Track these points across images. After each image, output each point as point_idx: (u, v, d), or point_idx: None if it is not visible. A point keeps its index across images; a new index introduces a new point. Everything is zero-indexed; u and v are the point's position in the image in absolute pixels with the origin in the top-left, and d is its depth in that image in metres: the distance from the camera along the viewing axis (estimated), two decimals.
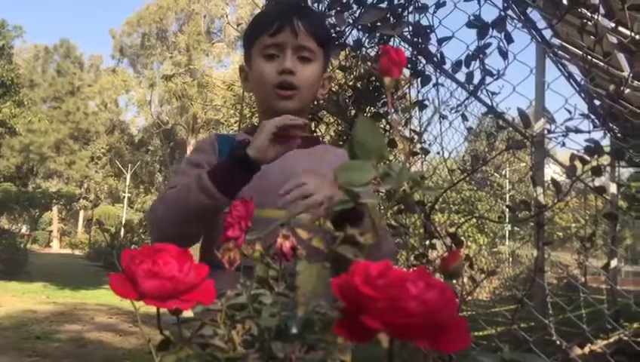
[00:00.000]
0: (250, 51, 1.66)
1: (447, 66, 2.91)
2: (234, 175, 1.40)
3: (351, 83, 3.09)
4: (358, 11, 2.80)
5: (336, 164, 0.63)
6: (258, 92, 1.67)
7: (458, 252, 0.71)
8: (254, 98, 1.75)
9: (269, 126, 1.39)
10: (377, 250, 1.29)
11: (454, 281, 0.73)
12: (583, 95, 3.43)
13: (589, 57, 2.81)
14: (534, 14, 3.20)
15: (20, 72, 31.25)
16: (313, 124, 3.12)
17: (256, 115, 1.75)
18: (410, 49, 2.88)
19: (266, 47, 1.59)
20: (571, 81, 4.65)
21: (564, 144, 2.82)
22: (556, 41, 4.00)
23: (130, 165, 46.31)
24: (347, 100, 3.05)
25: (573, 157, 2.44)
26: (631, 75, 2.96)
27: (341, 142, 2.96)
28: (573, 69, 4.64)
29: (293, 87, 1.58)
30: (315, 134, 2.84)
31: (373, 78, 2.93)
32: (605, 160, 2.64)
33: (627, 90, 3.01)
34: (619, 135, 3.57)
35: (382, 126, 3.03)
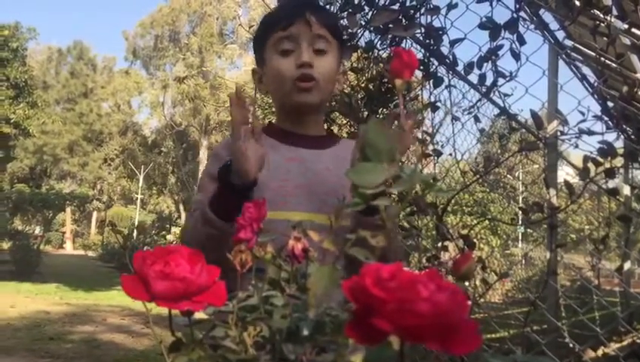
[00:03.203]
0: (264, 50, 1.63)
1: (460, 68, 2.90)
2: (230, 202, 1.35)
3: (363, 84, 3.09)
4: (370, 13, 2.80)
5: None
6: (276, 89, 1.63)
7: (470, 254, 0.71)
8: (271, 97, 1.72)
9: (234, 148, 1.38)
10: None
11: (467, 283, 0.72)
12: (596, 96, 3.41)
13: (602, 59, 2.80)
14: (547, 16, 3.19)
15: (34, 74, 31.39)
16: (326, 125, 3.12)
17: (269, 116, 1.74)
18: (423, 51, 2.88)
19: (281, 40, 1.56)
20: (584, 82, 4.64)
21: (577, 146, 2.81)
22: (569, 43, 3.99)
23: (143, 166, 46.48)
24: (359, 102, 3.04)
25: (586, 159, 2.43)
26: None
27: None
28: (586, 71, 4.62)
29: (312, 79, 1.55)
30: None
31: (386, 80, 2.93)
32: (619, 162, 2.63)
33: None
34: (632, 137, 3.55)
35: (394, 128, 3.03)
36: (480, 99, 3.06)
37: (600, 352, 3.71)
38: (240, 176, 1.37)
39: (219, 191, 1.41)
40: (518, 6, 2.67)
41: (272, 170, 1.50)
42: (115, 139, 49.48)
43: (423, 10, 2.71)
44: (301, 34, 1.55)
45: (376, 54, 3.04)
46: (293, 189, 1.50)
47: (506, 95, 2.90)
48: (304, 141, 1.61)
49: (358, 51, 3.06)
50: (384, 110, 3.04)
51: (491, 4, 2.69)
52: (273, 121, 1.75)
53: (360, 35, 2.96)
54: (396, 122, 1.39)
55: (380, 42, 2.97)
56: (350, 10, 2.76)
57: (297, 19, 1.55)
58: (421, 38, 2.84)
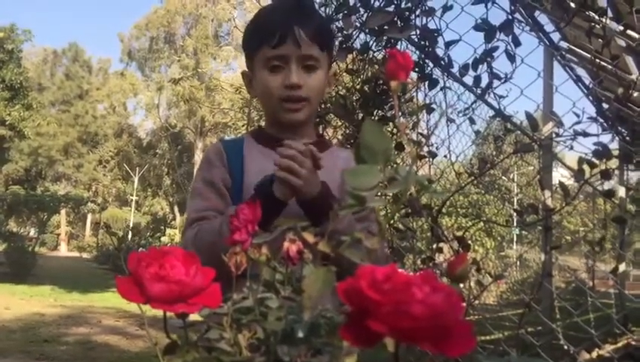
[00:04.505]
0: (253, 59, 1.62)
1: (455, 70, 2.91)
2: (264, 213, 1.34)
3: (358, 86, 3.09)
4: (366, 15, 2.80)
5: (344, 167, 0.63)
6: (264, 103, 1.64)
7: (464, 255, 0.71)
8: (260, 104, 1.72)
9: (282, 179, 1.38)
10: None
11: (461, 285, 0.72)
12: (591, 98, 3.41)
13: (597, 60, 2.80)
14: (542, 17, 3.20)
15: (29, 76, 31.34)
16: (321, 128, 3.12)
17: (264, 118, 1.73)
18: (418, 52, 2.88)
19: (269, 59, 1.55)
20: (579, 84, 4.65)
21: (572, 147, 2.81)
22: (564, 45, 4.00)
23: (138, 168, 46.49)
24: (354, 103, 3.04)
25: (581, 161, 2.43)
26: (639, 77, 2.95)
27: (349, 146, 2.96)
28: (582, 72, 4.63)
29: (301, 100, 1.55)
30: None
31: (381, 82, 2.94)
32: (614, 163, 2.63)
33: (635, 93, 3.01)
34: (627, 138, 3.56)
35: (389, 129, 3.03)
36: (475, 101, 3.06)
37: (595, 354, 3.72)
38: (283, 194, 1.39)
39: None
40: (513, 8, 2.68)
41: (262, 177, 1.49)
42: (110, 141, 49.48)
43: (418, 12, 2.71)
44: (290, 54, 1.54)
45: (371, 56, 3.04)
46: None
47: (501, 97, 2.91)
48: None
49: (354, 53, 3.06)
50: (379, 112, 3.04)
51: (486, 6, 2.69)
52: (263, 125, 1.75)
53: (355, 36, 2.96)
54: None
55: (375, 44, 2.97)
56: (345, 12, 2.76)
57: (287, 37, 1.53)
58: (416, 40, 2.84)
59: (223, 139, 1.86)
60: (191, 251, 1.50)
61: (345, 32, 2.83)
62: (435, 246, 2.94)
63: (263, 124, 1.77)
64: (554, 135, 3.17)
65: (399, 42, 2.84)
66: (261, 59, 1.58)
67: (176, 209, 46.72)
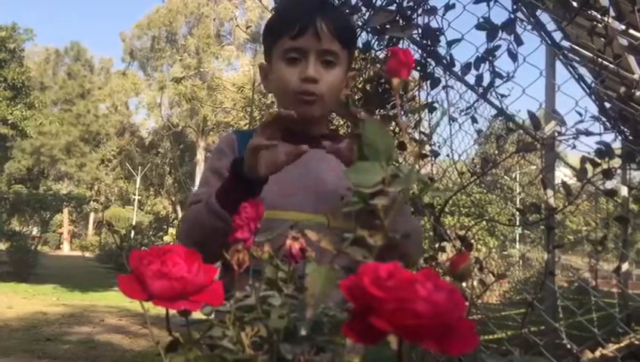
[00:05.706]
0: (271, 51, 1.59)
1: (457, 69, 2.90)
2: (239, 193, 1.27)
3: (360, 85, 3.09)
4: (367, 14, 2.80)
5: None
6: (278, 97, 1.61)
7: (467, 254, 0.71)
8: (274, 99, 1.70)
9: (250, 142, 1.33)
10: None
11: (464, 284, 0.72)
12: (593, 97, 3.41)
13: (600, 59, 2.80)
14: (544, 16, 3.19)
15: (31, 75, 31.30)
16: None
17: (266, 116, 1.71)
18: (420, 51, 2.88)
19: (287, 50, 1.52)
20: (581, 83, 4.64)
21: (574, 146, 2.81)
22: (566, 44, 3.99)
23: (140, 167, 46.50)
24: (356, 103, 3.04)
25: (583, 160, 2.43)
26: None
27: None
28: (584, 72, 4.62)
29: (315, 95, 1.51)
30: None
31: (383, 81, 2.93)
32: (616, 162, 2.63)
33: (638, 93, 3.00)
34: (630, 137, 3.55)
35: (391, 128, 3.03)
36: (477, 100, 3.06)
37: (598, 353, 3.71)
38: (248, 168, 1.33)
39: (228, 182, 1.38)
40: (515, 6, 2.68)
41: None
42: (112, 140, 49.55)
43: (420, 11, 2.71)
44: (309, 47, 1.50)
45: (373, 55, 3.04)
46: (294, 190, 1.47)
47: (503, 96, 2.90)
48: (307, 140, 1.57)
49: (355, 52, 3.06)
50: (381, 111, 3.04)
51: (488, 5, 2.69)
52: None
53: (357, 35, 2.96)
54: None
55: (377, 43, 2.97)
56: (347, 11, 2.76)
57: (307, 29, 1.49)
58: (418, 39, 2.83)
59: (235, 130, 1.83)
60: (182, 233, 1.51)
61: None
62: (437, 245, 2.93)
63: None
64: (556, 134, 3.17)
65: (401, 41, 2.84)
66: (279, 51, 1.54)
67: (178, 208, 46.72)
